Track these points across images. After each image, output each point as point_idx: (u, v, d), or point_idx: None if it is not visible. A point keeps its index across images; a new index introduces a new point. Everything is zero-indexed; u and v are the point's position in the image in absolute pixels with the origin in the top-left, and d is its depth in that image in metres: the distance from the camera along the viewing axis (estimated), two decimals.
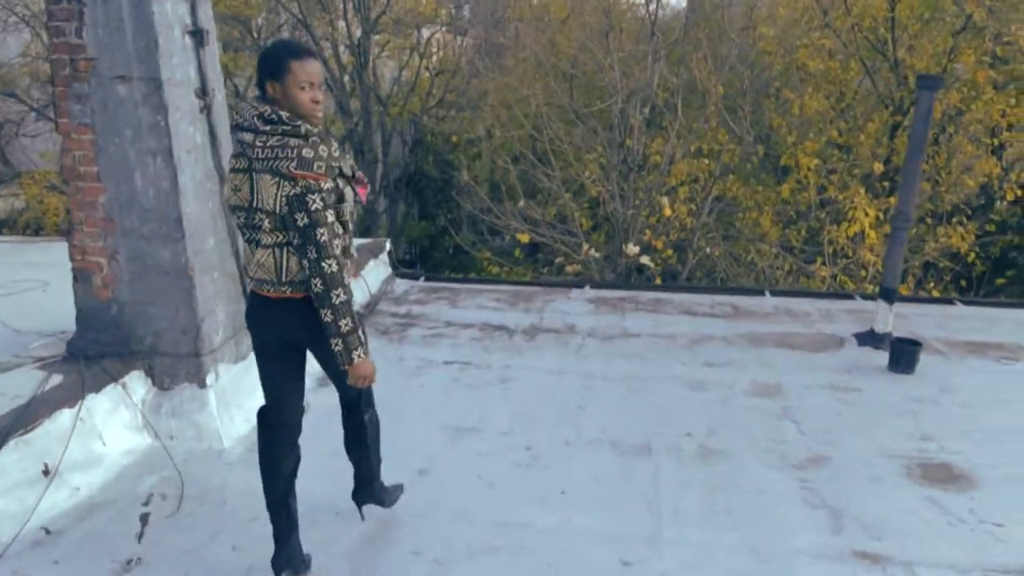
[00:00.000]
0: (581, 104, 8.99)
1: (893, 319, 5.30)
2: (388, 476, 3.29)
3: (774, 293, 6.44)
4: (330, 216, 2.41)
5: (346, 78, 13.13)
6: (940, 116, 8.49)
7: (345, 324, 2.46)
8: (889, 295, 5.26)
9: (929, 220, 9.17)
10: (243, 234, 2.59)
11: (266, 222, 2.45)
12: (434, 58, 14.79)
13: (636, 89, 8.04)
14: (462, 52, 15.60)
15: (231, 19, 12.22)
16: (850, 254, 7.72)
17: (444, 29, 16.88)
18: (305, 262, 2.42)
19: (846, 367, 4.97)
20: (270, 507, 2.78)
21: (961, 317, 5.99)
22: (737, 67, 8.88)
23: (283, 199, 2.39)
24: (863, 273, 7.77)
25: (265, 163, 2.41)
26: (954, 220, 8.98)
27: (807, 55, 9.02)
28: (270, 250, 2.50)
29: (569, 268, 7.64)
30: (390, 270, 6.67)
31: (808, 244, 8.41)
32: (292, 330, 2.63)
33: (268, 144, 2.41)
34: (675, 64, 8.97)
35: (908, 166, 5.10)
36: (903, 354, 4.84)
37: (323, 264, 2.40)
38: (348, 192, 2.53)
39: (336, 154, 2.48)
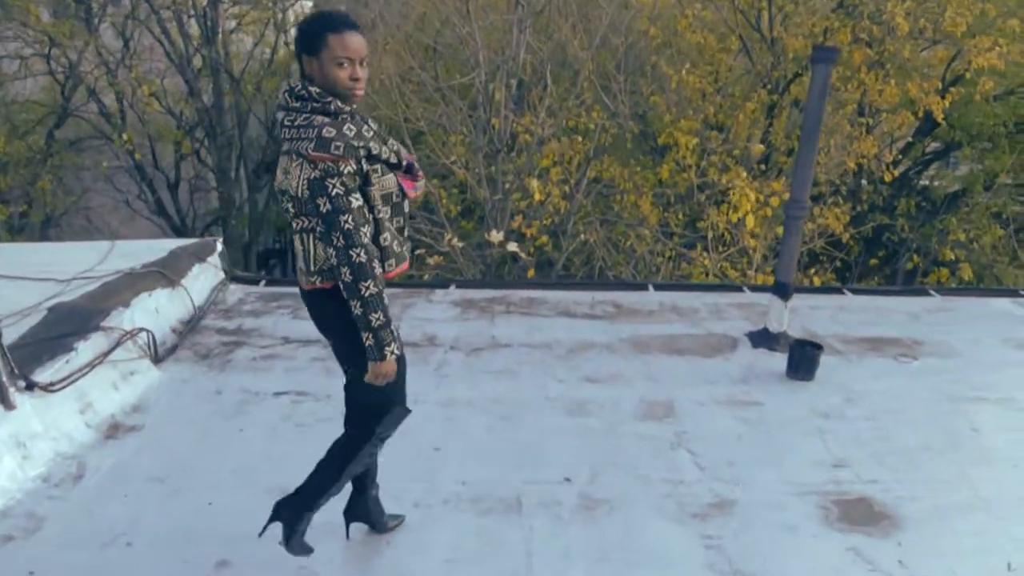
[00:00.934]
0: (444, 81, 8.12)
1: (788, 316, 4.80)
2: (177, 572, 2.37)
3: (658, 287, 5.85)
4: (355, 201, 2.24)
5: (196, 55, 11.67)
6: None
7: (376, 318, 2.28)
8: (784, 290, 4.74)
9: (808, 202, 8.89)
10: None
11: (291, 206, 2.32)
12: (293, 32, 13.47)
13: (500, 62, 7.27)
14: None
15: None
16: (728, 239, 7.30)
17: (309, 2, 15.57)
18: (331, 251, 2.25)
19: (742, 375, 4.41)
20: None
21: (853, 309, 5.59)
22: (610, 39, 8.28)
23: (304, 182, 2.24)
24: (745, 260, 7.37)
25: (291, 143, 2.26)
26: (829, 201, 8.77)
27: (686, 27, 8.52)
28: (299, 236, 2.38)
29: (430, 260, 6.82)
30: (221, 275, 5.61)
31: (688, 229, 7.95)
32: (323, 323, 2.52)
33: (296, 123, 2.27)
34: (543, 35, 8.25)
35: (803, 148, 4.56)
36: (803, 359, 4.32)
37: (351, 252, 2.23)
38: (389, 180, 2.35)
39: (368, 135, 2.29)
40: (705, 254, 7.62)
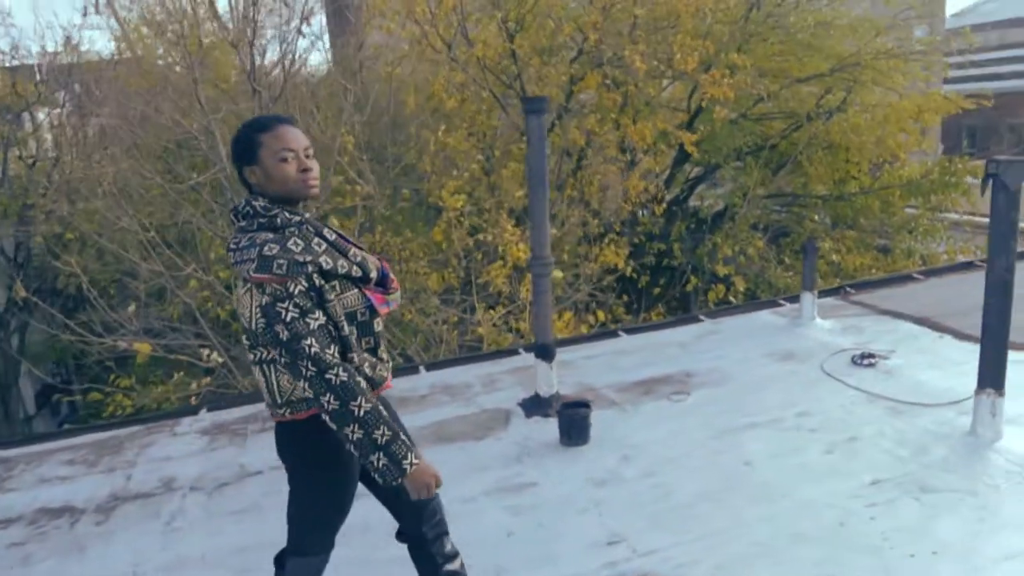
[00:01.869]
0: (187, 179, 7.45)
1: (556, 375, 4.57)
2: None
3: (430, 367, 5.49)
4: (314, 321, 1.98)
5: None
6: (584, 141, 8.38)
7: (381, 434, 2.00)
8: (546, 352, 4.51)
9: (584, 246, 9.01)
10: None
11: (245, 338, 2.14)
12: (42, 145, 12.14)
13: None
14: (74, 136, 13.00)
15: None
16: (505, 293, 7.14)
17: (67, 110, 14.22)
18: (304, 383, 2.00)
19: (516, 453, 4.09)
20: None
21: (629, 350, 5.51)
22: (367, 110, 8.02)
23: (257, 310, 2.02)
24: (525, 314, 7.23)
25: (236, 267, 2.04)
26: (606, 239, 8.91)
27: (442, 91, 8.45)
28: (258, 367, 2.13)
29: (194, 385, 6.08)
30: None
31: (466, 292, 7.73)
32: (283, 455, 2.27)
33: (240, 244, 2.03)
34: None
35: (534, 202, 4.40)
36: (572, 424, 4.07)
37: (327, 377, 1.96)
38: (352, 296, 2.11)
39: (319, 248, 2.05)
40: (490, 312, 7.40)
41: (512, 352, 5.70)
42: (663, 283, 9.82)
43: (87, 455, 4.59)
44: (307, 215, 2.13)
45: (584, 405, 4.17)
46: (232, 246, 2.05)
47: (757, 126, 10.58)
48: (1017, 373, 4.47)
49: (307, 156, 2.10)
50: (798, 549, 3.02)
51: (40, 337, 11.73)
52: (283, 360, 2.05)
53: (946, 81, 17.43)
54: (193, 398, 6.38)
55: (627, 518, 3.35)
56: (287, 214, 2.07)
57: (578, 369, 5.15)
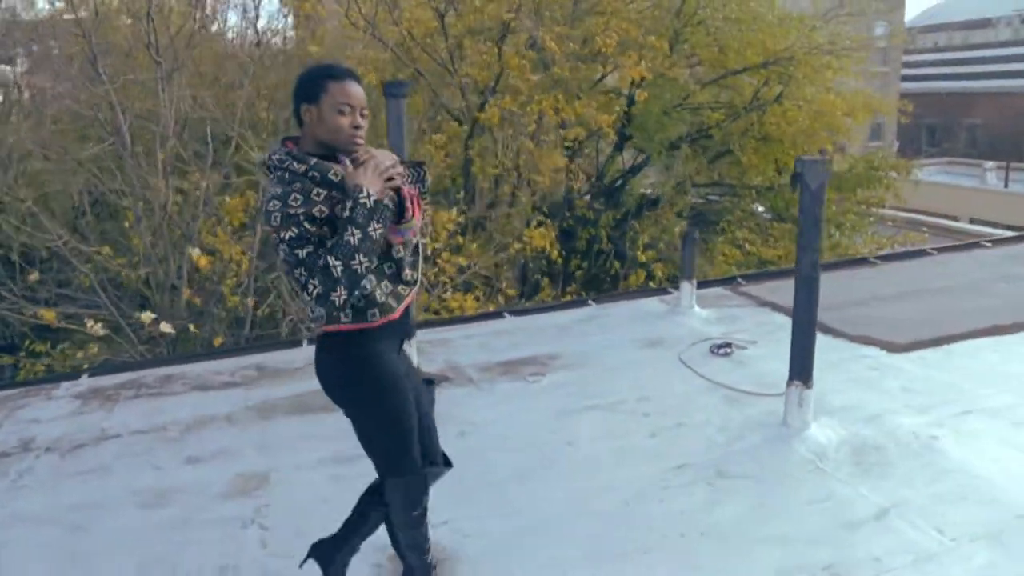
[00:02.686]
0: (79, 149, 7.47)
1: (416, 351, 4.73)
2: None
3: (312, 341, 5.62)
4: (301, 252, 2.17)
5: None
6: (499, 121, 8.48)
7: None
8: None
9: (514, 223, 9.13)
10: None
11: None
12: None
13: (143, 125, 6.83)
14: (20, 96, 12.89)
15: None
16: None
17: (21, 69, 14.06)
18: (320, 296, 2.18)
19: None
20: None
21: (507, 332, 5.67)
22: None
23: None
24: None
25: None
26: (532, 223, 9.04)
27: (364, 71, 8.51)
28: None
29: (79, 354, 6.19)
30: None
31: None
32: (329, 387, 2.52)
33: (264, 198, 2.44)
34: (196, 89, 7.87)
35: None
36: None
37: (326, 277, 2.15)
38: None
39: (317, 199, 2.18)
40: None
41: None
42: (588, 267, 9.98)
43: None
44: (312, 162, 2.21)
45: (429, 382, 4.32)
46: (263, 199, 2.31)
47: (692, 116, 10.71)
48: (858, 365, 4.74)
49: (362, 115, 2.26)
50: (579, 526, 3.20)
51: None
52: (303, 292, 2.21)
53: (904, 79, 17.61)
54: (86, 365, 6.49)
55: (435, 489, 3.52)
56: (296, 164, 2.21)
57: (452, 347, 5.31)
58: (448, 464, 2.75)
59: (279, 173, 2.24)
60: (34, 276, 6.64)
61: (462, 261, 7.23)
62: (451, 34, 9.12)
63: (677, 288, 6.13)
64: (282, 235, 2.17)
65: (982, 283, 6.57)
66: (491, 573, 2.96)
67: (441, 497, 3.40)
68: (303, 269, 2.17)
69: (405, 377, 2.51)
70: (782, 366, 4.71)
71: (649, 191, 10.87)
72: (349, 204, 2.15)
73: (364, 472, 3.69)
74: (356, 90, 2.26)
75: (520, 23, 8.21)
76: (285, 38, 9.76)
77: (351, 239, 2.14)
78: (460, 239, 7.66)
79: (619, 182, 10.88)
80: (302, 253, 2.16)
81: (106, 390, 5.01)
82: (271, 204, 2.18)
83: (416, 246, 2.42)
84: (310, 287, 2.15)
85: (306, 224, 2.17)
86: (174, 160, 6.84)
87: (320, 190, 2.20)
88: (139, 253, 6.73)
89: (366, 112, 2.29)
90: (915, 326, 5.44)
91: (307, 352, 5.46)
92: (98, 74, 6.85)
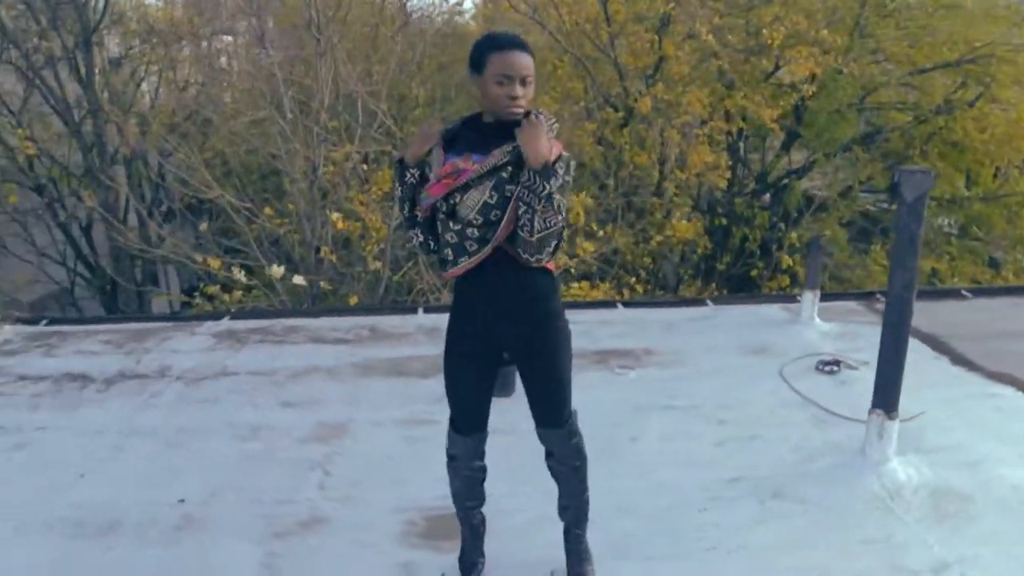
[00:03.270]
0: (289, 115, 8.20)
1: None
2: None
3: (428, 310, 5.92)
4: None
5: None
6: (649, 110, 8.33)
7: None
8: None
9: (658, 215, 9.00)
10: None
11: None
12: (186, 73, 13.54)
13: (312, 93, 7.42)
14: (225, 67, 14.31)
15: None
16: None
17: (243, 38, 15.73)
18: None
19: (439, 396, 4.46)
20: None
21: (613, 322, 5.65)
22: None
23: None
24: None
25: None
26: (677, 215, 8.85)
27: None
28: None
29: (227, 297, 6.89)
30: None
31: None
32: None
33: None
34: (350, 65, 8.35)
35: None
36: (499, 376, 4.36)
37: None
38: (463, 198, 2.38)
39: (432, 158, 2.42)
40: None
41: None
42: (732, 265, 9.61)
43: (120, 339, 5.47)
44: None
45: (510, 362, 4.45)
46: None
47: (873, 116, 9.92)
48: (982, 405, 4.30)
49: (523, 83, 2.30)
50: (614, 521, 3.20)
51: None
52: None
53: None
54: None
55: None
56: (452, 125, 2.46)
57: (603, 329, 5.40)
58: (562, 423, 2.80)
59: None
60: (204, 227, 7.47)
61: (588, 248, 7.24)
62: (614, 20, 9.06)
63: (796, 298, 5.81)
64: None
65: None
66: (514, 548, 3.03)
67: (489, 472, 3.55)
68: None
69: (466, 355, 2.65)
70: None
71: (818, 192, 10.23)
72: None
73: (433, 435, 3.92)
74: (518, 59, 2.29)
75: (682, 12, 7.99)
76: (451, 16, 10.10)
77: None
78: (595, 225, 7.66)
79: (783, 182, 10.33)
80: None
81: (238, 333, 5.58)
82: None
83: (487, 218, 2.38)
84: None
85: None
86: (326, 131, 7.40)
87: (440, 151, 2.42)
88: (292, 214, 7.37)
89: (529, 79, 2.32)
90: None
91: (419, 319, 5.77)
92: (264, 48, 7.55)
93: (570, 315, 5.89)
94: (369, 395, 4.48)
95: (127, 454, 3.85)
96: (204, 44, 12.60)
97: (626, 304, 6.11)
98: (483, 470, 2.84)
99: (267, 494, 3.45)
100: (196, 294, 8.20)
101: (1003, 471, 3.54)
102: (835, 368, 4.71)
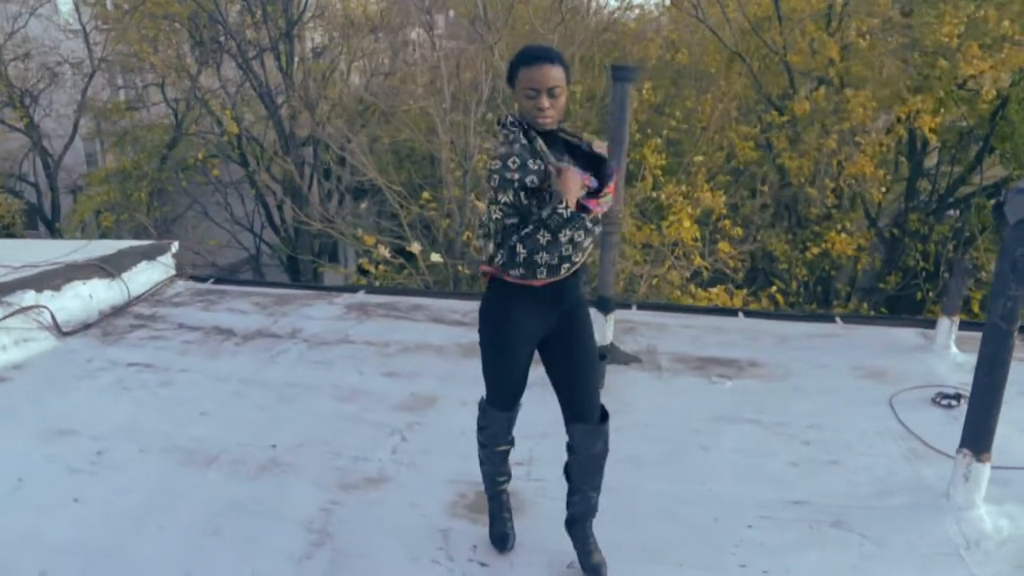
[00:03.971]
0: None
1: (612, 330, 4.91)
2: None
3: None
4: (508, 222, 2.46)
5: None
6: (805, 109, 7.89)
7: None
8: (604, 304, 4.86)
9: (816, 227, 8.56)
10: None
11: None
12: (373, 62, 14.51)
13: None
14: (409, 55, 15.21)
15: None
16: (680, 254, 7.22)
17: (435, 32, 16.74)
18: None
19: (536, 380, 4.59)
20: None
21: (728, 330, 5.51)
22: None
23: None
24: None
25: None
26: (837, 227, 8.35)
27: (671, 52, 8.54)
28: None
29: (374, 271, 7.37)
30: (172, 272, 6.57)
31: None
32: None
33: (492, 152, 2.53)
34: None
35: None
36: None
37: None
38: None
39: (533, 166, 2.40)
40: (673, 270, 7.61)
41: (623, 305, 6.01)
42: (899, 285, 8.87)
43: (267, 302, 6.12)
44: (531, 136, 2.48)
45: (601, 356, 4.51)
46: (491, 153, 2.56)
47: None
48: None
49: (550, 95, 2.42)
50: (658, 524, 3.20)
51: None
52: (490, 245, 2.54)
53: None
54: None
55: (547, 451, 3.74)
56: (508, 131, 2.48)
57: (664, 333, 5.35)
58: (604, 418, 2.86)
59: (506, 133, 2.49)
60: (364, 205, 8.10)
61: (725, 248, 7.03)
62: (787, 18, 8.68)
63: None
64: (498, 197, 2.41)
65: None
66: (548, 528, 3.10)
67: (539, 453, 3.67)
68: (495, 230, 2.47)
69: (528, 335, 2.69)
70: (1008, 432, 3.99)
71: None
72: (547, 210, 2.37)
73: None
74: (544, 73, 2.39)
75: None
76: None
77: (540, 239, 2.40)
78: (727, 223, 7.43)
79: (971, 198, 9.38)
80: (507, 222, 2.43)
81: (368, 306, 6.05)
82: (493, 163, 2.41)
83: (582, 230, 2.47)
84: (491, 247, 2.50)
85: (521, 194, 2.39)
86: (482, 122, 7.74)
87: (539, 162, 2.42)
88: (444, 200, 7.80)
89: (558, 90, 2.42)
90: None
91: None
92: (434, 43, 8.02)
93: (684, 318, 5.83)
94: (464, 374, 4.71)
95: (244, 400, 4.36)
96: (397, 36, 13.50)
97: (747, 313, 5.91)
98: (513, 442, 2.99)
99: (347, 449, 3.78)
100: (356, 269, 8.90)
101: None
102: (954, 403, 4.32)
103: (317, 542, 3.08)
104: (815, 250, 8.35)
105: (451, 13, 14.18)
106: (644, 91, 8.80)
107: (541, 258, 2.45)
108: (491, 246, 2.54)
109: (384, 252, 7.13)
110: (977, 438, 3.18)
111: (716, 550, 3.04)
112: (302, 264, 12.19)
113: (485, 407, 2.92)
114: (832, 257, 8.46)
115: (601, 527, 2.98)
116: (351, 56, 13.10)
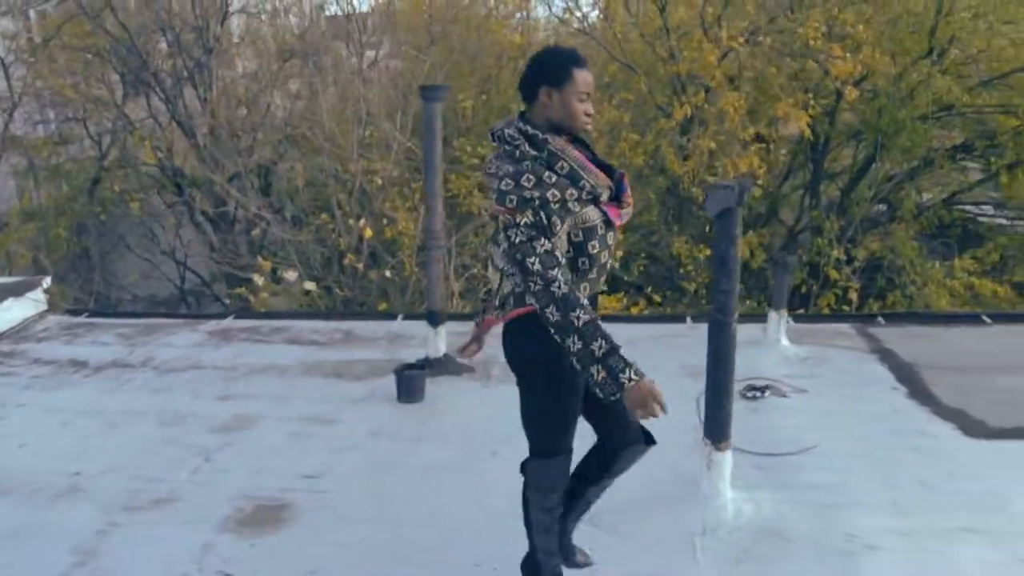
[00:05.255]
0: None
1: (445, 342, 5.02)
2: None
3: (407, 317, 6.18)
4: (540, 247, 2.15)
5: None
6: (685, 114, 8.11)
7: (599, 347, 2.09)
8: (433, 318, 4.97)
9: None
10: None
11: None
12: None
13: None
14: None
15: None
16: None
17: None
18: (531, 298, 2.17)
19: (366, 395, 4.73)
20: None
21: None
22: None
23: (501, 225, 2.31)
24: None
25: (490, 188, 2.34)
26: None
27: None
28: (500, 275, 2.44)
29: (252, 299, 7.48)
30: (43, 307, 6.64)
31: None
32: (513, 360, 2.45)
33: (490, 171, 2.32)
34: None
35: (427, 185, 4.83)
36: (401, 382, 4.57)
37: (551, 289, 2.12)
38: (589, 212, 2.27)
39: (549, 181, 2.19)
40: None
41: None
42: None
43: (133, 332, 6.19)
44: (556, 140, 2.28)
45: (421, 367, 4.65)
46: (489, 170, 2.32)
47: (967, 123, 9.02)
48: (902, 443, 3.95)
49: (590, 98, 2.35)
50: (420, 532, 3.32)
51: None
52: (518, 277, 2.24)
53: None
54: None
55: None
56: (527, 147, 2.24)
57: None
58: (650, 441, 2.62)
59: (508, 148, 2.28)
60: (256, 232, 8.22)
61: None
62: (673, 27, 8.92)
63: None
64: (517, 219, 2.19)
65: None
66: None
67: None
68: (533, 260, 2.14)
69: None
70: (806, 423, 4.15)
71: (881, 206, 9.41)
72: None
73: (318, 433, 4.22)
74: (591, 78, 2.34)
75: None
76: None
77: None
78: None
79: (851, 190, 9.61)
80: (540, 248, 2.14)
81: (233, 331, 6.13)
82: (504, 183, 2.20)
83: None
84: (533, 282, 2.13)
85: (542, 212, 2.18)
86: (363, 145, 7.90)
87: (552, 174, 2.21)
88: (329, 223, 7.93)
89: (593, 95, 2.38)
90: None
91: (393, 326, 6.05)
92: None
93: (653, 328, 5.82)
94: (297, 393, 4.82)
95: (68, 430, 4.44)
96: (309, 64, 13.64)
97: (604, 319, 6.03)
98: None
99: (149, 472, 3.87)
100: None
101: (857, 518, 3.25)
102: (759, 394, 4.47)
103: (79, 563, 3.16)
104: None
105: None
106: None
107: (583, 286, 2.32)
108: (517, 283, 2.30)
109: (259, 280, 7.24)
110: (714, 428, 3.30)
111: (463, 555, 3.14)
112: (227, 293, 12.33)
113: (550, 462, 2.53)
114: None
115: (362, 531, 3.18)
116: (271, 83, 13.27)
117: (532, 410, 2.47)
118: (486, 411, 4.45)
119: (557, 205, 2.19)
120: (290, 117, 11.74)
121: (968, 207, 10.28)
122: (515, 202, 2.18)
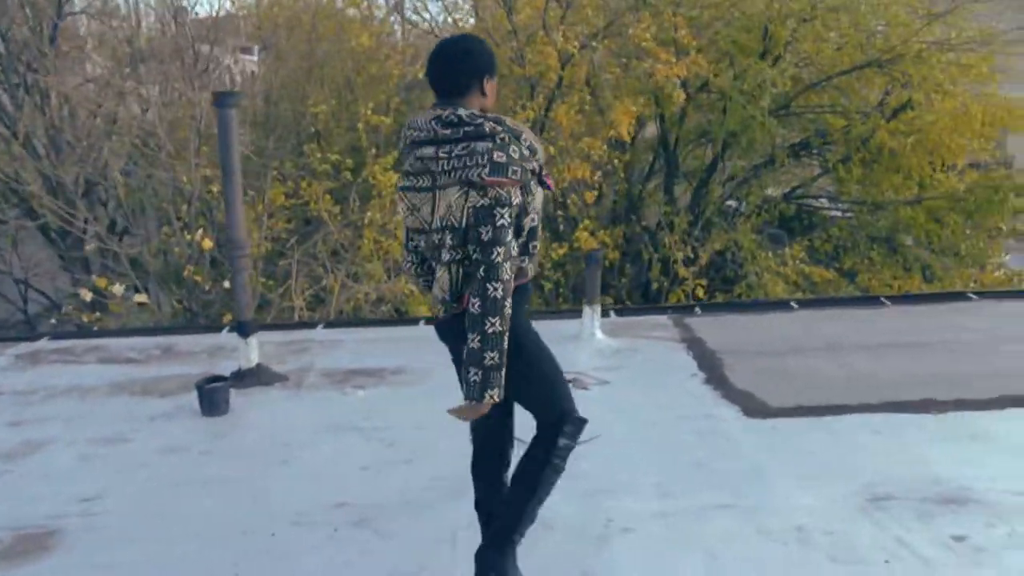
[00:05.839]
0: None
1: (257, 352, 4.91)
2: None
3: (232, 330, 6.02)
4: (510, 235, 2.18)
5: None
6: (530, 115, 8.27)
7: (491, 357, 2.16)
8: (243, 329, 4.86)
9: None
10: (416, 257, 2.46)
11: (448, 238, 2.25)
12: None
13: None
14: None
15: None
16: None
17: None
18: (481, 268, 2.16)
19: (170, 411, 4.57)
20: None
21: (388, 340, 5.64)
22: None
23: (470, 210, 2.18)
24: None
25: (452, 175, 2.20)
26: (582, 226, 8.70)
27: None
28: (446, 268, 2.28)
29: (85, 317, 7.20)
30: None
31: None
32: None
33: (453, 153, 2.20)
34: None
35: (227, 192, 4.72)
36: (203, 395, 4.44)
37: (488, 286, 2.15)
38: (539, 194, 2.31)
39: (527, 153, 2.22)
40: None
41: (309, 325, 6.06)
42: (637, 277, 9.36)
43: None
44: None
45: (221, 379, 4.53)
46: (443, 155, 2.20)
47: (805, 122, 9.55)
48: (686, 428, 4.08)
49: None
50: (187, 544, 3.22)
51: None
52: (473, 256, 2.18)
53: None
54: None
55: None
56: (492, 123, 2.19)
57: (335, 349, 5.46)
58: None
59: (470, 128, 2.19)
60: (90, 248, 7.84)
61: None
62: (520, 28, 9.04)
63: (610, 313, 5.65)
64: (512, 198, 2.16)
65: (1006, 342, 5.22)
66: None
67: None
68: (500, 251, 2.13)
69: None
70: (599, 414, 4.22)
71: (732, 202, 9.85)
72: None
73: (111, 455, 4.03)
74: None
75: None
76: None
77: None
78: None
79: (702, 188, 10.00)
80: (508, 236, 2.15)
81: (44, 353, 5.82)
82: (496, 155, 2.14)
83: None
84: (485, 267, 2.13)
85: (531, 184, 2.23)
86: (200, 155, 7.68)
87: (519, 149, 2.19)
88: (166, 237, 7.66)
89: None
90: (829, 388, 4.52)
91: (218, 339, 5.89)
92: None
93: (362, 333, 5.88)
94: (93, 414, 4.60)
95: None
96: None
97: (428, 320, 6.05)
98: None
99: None
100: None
101: (620, 503, 3.34)
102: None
103: None
104: (560, 250, 8.67)
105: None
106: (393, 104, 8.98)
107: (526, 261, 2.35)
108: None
109: (86, 296, 6.92)
110: None
111: (224, 562, 3.06)
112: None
113: (577, 416, 2.49)
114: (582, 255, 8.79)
115: (132, 550, 3.11)
116: (118, 89, 12.71)
117: (534, 378, 2.39)
118: (290, 421, 4.39)
119: (535, 177, 2.27)
120: (134, 126, 11.27)
121: (811, 201, 10.87)
122: (518, 173, 2.18)
